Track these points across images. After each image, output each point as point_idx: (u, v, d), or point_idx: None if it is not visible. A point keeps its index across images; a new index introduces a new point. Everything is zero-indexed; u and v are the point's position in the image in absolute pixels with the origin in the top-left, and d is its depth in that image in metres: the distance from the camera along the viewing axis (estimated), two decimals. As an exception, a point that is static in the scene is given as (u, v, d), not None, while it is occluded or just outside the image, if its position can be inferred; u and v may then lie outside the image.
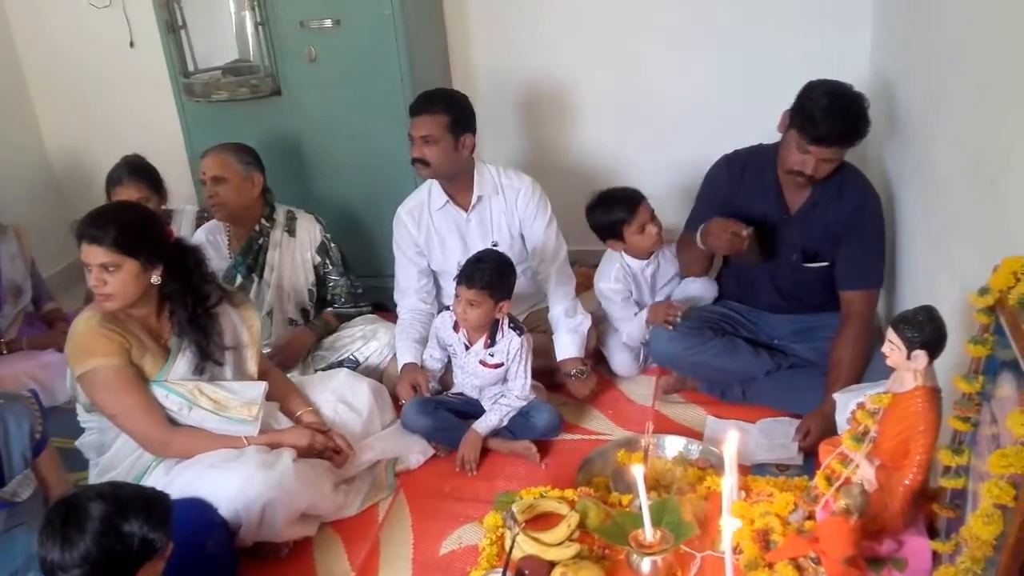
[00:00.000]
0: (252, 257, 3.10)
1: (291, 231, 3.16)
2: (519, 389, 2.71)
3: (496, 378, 2.74)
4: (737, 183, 2.78)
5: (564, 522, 2.06)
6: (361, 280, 3.30)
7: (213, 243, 3.11)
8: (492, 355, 2.70)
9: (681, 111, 3.62)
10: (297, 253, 3.16)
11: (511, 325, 2.72)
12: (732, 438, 1.88)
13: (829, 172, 2.58)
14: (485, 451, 2.72)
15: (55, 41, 4.06)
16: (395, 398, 2.86)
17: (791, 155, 2.56)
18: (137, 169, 3.22)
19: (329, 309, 3.23)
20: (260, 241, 3.11)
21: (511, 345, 2.69)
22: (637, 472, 1.85)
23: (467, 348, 2.74)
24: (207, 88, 3.44)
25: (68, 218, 4.16)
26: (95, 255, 2.20)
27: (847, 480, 1.77)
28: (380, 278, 3.38)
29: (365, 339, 3.10)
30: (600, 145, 3.36)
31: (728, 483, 1.84)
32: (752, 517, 1.93)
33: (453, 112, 2.83)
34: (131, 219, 2.29)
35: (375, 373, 3.01)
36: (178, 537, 1.73)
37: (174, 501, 1.78)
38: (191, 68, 3.49)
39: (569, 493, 2.24)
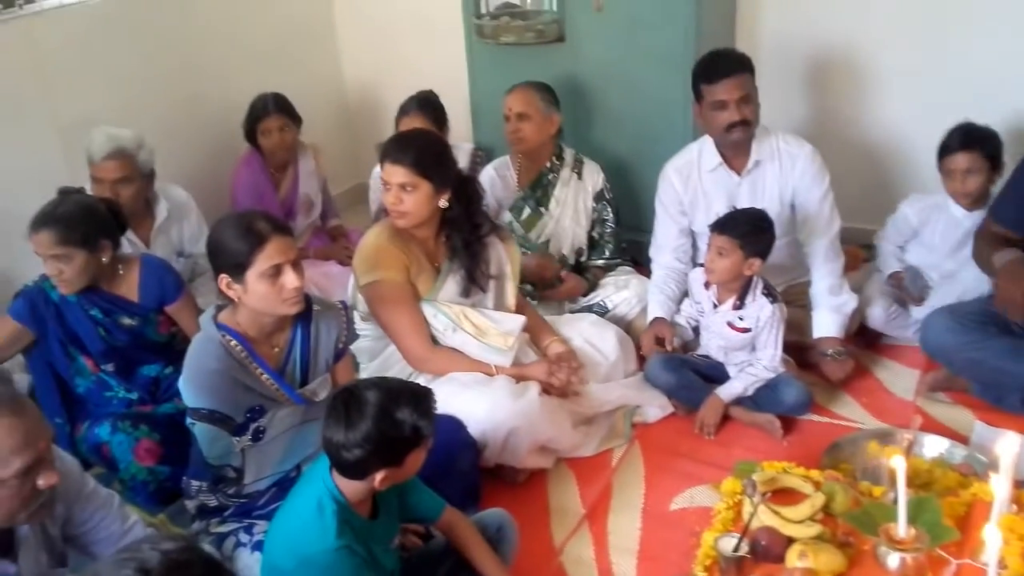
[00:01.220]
0: (541, 191, 3.22)
1: (579, 173, 3.26)
2: (768, 359, 2.64)
3: (742, 343, 2.69)
4: None
5: (809, 501, 2.00)
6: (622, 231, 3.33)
7: (503, 177, 3.27)
8: (741, 318, 2.65)
9: (997, 90, 3.25)
10: (581, 195, 3.25)
11: (764, 291, 2.64)
12: (1011, 442, 1.73)
13: None
14: (725, 418, 2.69)
15: (363, -21, 4.37)
16: (639, 351, 2.88)
17: None
18: (425, 103, 3.42)
19: (599, 261, 3.29)
20: (550, 177, 3.23)
21: (762, 311, 2.61)
22: (899, 464, 1.75)
23: (715, 307, 2.70)
24: (496, 30, 3.56)
25: (356, 144, 4.54)
26: (397, 174, 2.40)
27: None
28: (638, 232, 3.39)
29: (617, 288, 3.13)
30: (894, 121, 3.09)
31: (1001, 490, 1.70)
32: (1024, 533, 1.77)
33: (753, 71, 2.80)
34: (430, 145, 2.48)
35: (622, 323, 3.03)
36: (433, 451, 1.84)
37: (431, 417, 1.90)
38: (483, 10, 3.64)
39: (815, 473, 2.17)
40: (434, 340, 2.52)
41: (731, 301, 2.65)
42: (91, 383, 2.58)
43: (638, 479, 2.50)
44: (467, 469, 2.32)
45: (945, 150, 2.86)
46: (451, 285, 2.53)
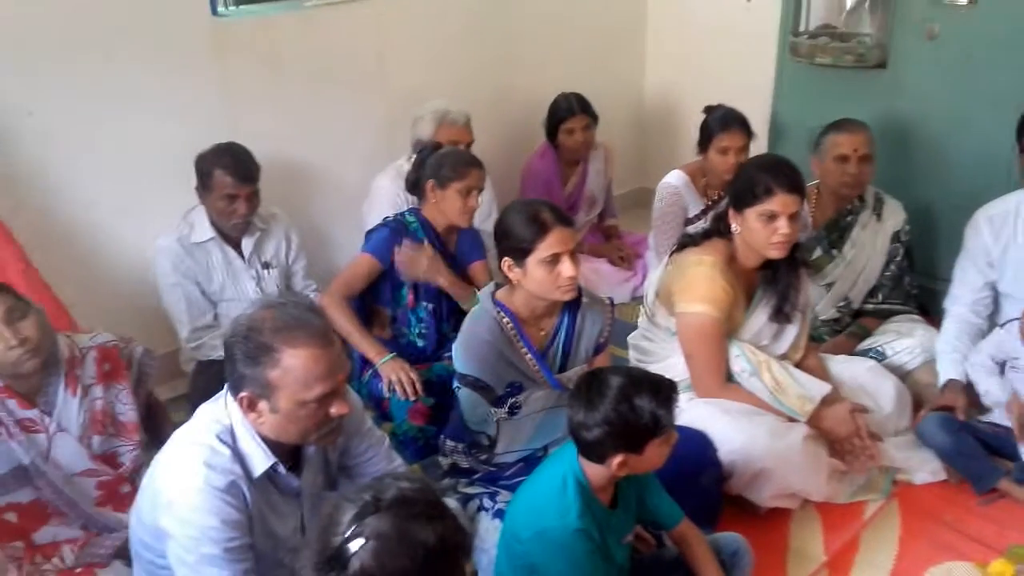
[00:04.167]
0: (837, 233, 3.03)
1: (879, 214, 3.04)
2: None
3: None
4: None
5: (1095, 606, 1.77)
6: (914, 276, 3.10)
7: None
8: None
9: None
10: (879, 236, 3.03)
11: None
12: None
13: None
14: (1001, 495, 2.44)
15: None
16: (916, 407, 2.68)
17: None
18: (744, 120, 3.25)
19: (869, 306, 3.07)
20: (848, 219, 3.03)
21: None
22: None
23: None
24: (812, 50, 3.43)
25: (645, 149, 4.58)
26: (793, 204, 2.29)
27: None
28: (931, 278, 3.14)
29: (899, 335, 2.91)
30: None
31: None
32: None
33: None
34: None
35: (899, 372, 2.81)
36: (677, 459, 1.84)
37: (682, 427, 1.89)
38: (802, 28, 3.52)
39: (1107, 576, 1.91)
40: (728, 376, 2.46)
41: None
42: (398, 314, 2.81)
43: (892, 539, 2.34)
44: (709, 487, 2.28)
45: None
46: (760, 314, 2.46)
